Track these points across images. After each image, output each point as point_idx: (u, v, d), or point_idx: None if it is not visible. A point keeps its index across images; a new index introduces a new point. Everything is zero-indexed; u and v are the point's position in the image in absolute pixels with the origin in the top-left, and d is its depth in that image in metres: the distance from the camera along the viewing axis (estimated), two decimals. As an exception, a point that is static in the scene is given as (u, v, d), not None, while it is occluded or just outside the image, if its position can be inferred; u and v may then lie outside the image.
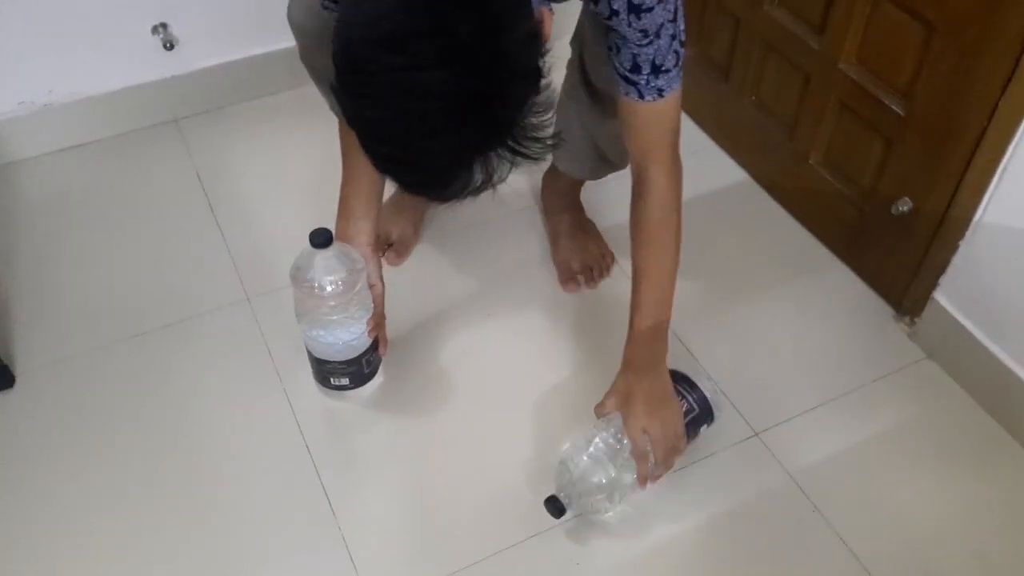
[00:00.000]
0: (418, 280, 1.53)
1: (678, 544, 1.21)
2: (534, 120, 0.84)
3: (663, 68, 1.04)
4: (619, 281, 1.52)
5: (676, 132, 1.12)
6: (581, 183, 1.58)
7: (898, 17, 1.29)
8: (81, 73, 1.70)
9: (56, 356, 1.41)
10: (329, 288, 1.20)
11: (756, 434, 1.33)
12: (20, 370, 1.39)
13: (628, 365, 1.19)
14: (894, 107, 1.36)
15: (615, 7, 0.99)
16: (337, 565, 1.18)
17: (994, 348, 1.32)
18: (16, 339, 1.43)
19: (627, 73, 1.05)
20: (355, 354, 1.29)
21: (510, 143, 0.82)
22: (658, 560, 1.19)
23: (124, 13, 1.67)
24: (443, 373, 1.40)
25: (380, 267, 1.31)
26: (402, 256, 1.56)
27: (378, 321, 1.31)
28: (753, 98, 1.65)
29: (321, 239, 1.18)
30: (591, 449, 1.17)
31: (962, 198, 1.29)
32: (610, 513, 1.21)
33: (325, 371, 1.31)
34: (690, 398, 1.22)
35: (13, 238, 1.60)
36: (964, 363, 1.38)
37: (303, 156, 1.72)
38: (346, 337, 1.26)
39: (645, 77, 1.04)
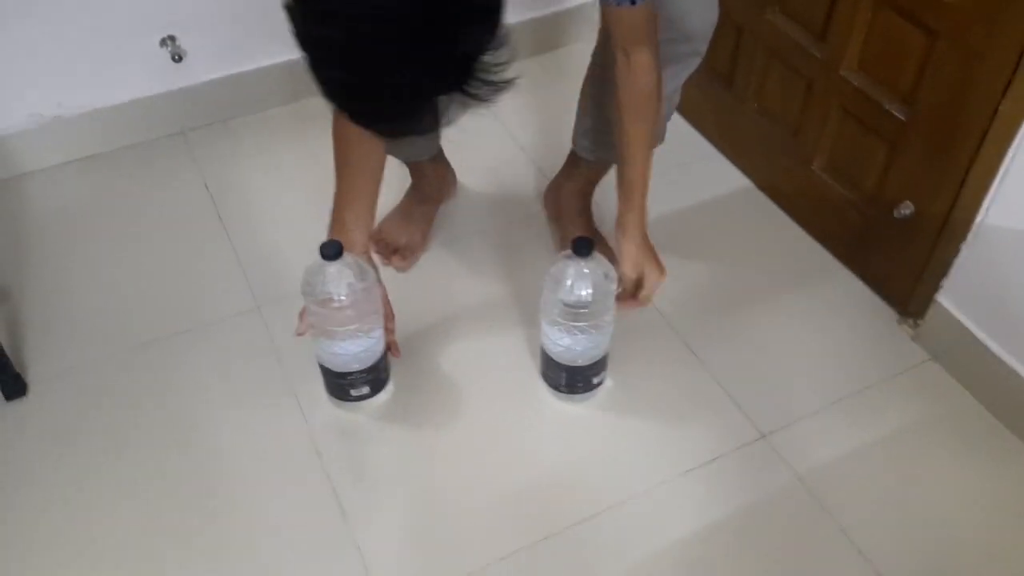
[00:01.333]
0: (426, 287, 1.54)
1: (688, 546, 1.22)
2: (488, 59, 0.83)
3: None
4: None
5: (656, 29, 1.18)
6: (591, 191, 1.59)
7: (899, 24, 1.31)
8: (90, 86, 1.73)
9: (68, 365, 1.42)
10: (346, 298, 1.21)
11: (763, 436, 1.34)
12: (33, 379, 1.40)
13: (637, 232, 1.29)
14: (896, 112, 1.37)
15: None
16: (351, 573, 1.19)
17: (997, 349, 1.34)
18: (29, 348, 1.44)
19: None
20: (374, 359, 1.30)
21: (462, 82, 0.82)
22: (668, 562, 1.20)
23: (133, 26, 1.69)
24: (451, 380, 1.41)
25: (378, 270, 1.31)
26: (410, 263, 1.57)
27: (389, 323, 1.33)
28: (756, 105, 1.67)
29: (332, 251, 1.19)
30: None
31: (964, 201, 1.31)
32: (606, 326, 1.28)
33: (344, 384, 1.32)
34: None
35: (25, 249, 1.61)
36: (968, 365, 1.39)
37: (310, 166, 1.74)
38: (367, 343, 1.27)
39: None
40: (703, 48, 1.33)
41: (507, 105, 1.94)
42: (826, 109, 1.50)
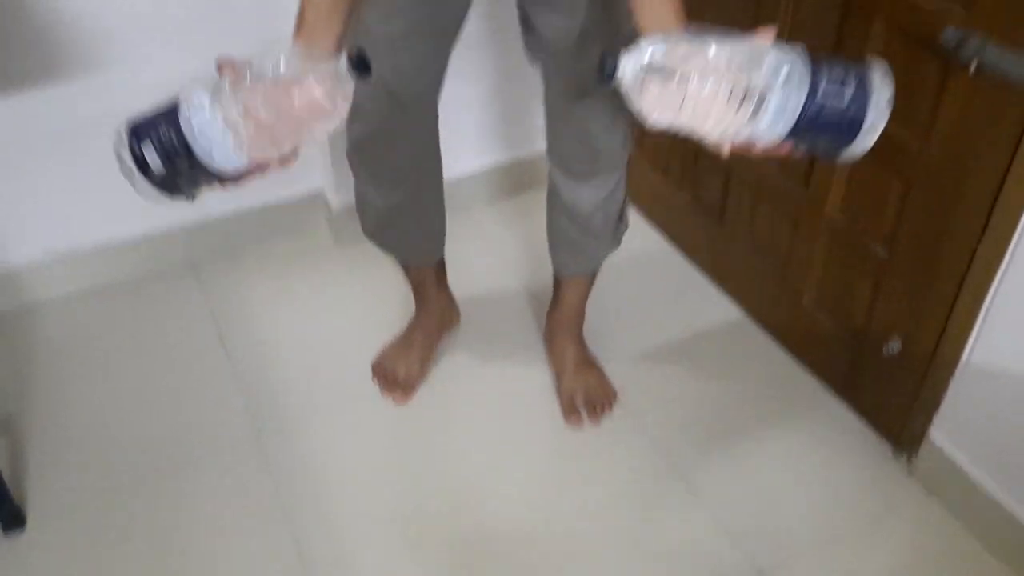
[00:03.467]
0: (424, 418, 1.56)
1: None
2: None
3: None
4: (620, 420, 1.55)
5: None
6: (582, 317, 1.62)
7: (876, 173, 1.37)
8: (103, 219, 1.78)
9: (69, 499, 1.42)
10: (319, 96, 0.87)
11: (760, 574, 1.32)
12: (32, 512, 1.40)
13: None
14: (879, 252, 1.42)
15: None
16: None
17: (990, 485, 1.34)
18: (30, 481, 1.45)
19: None
20: (202, 157, 0.89)
21: None
22: None
23: (149, 164, 1.76)
24: (452, 510, 1.41)
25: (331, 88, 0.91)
26: (409, 394, 1.60)
27: (260, 167, 0.94)
28: (746, 240, 1.72)
29: (357, 60, 0.89)
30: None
31: (950, 339, 1.34)
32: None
33: (153, 122, 0.89)
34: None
35: (30, 379, 1.64)
36: (964, 503, 1.39)
37: (318, 299, 1.78)
38: (220, 143, 0.89)
39: None
40: (621, 164, 1.37)
41: (505, 238, 1.99)
42: (812, 246, 1.55)
